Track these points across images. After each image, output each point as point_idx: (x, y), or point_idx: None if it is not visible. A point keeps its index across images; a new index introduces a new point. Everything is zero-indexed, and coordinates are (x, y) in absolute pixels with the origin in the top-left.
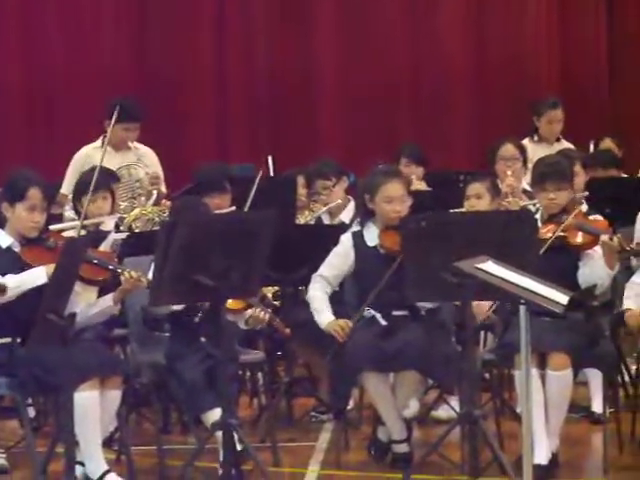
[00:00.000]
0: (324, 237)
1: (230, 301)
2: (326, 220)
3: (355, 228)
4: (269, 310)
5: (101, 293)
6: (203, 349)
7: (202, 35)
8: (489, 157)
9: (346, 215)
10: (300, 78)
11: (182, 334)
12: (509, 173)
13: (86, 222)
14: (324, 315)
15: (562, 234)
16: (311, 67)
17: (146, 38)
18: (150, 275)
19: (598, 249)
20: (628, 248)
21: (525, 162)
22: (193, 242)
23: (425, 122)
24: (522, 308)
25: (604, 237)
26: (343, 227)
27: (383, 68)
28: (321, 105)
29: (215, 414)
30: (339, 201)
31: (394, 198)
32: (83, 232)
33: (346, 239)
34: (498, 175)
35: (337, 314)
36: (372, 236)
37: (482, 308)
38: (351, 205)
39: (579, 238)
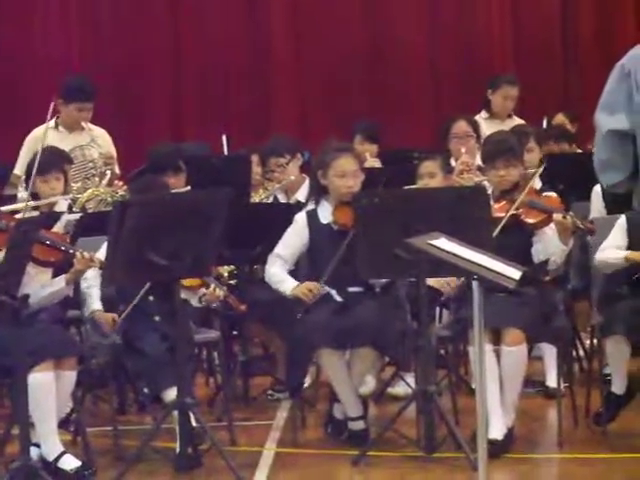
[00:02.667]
0: (279, 216)
1: None
2: (282, 199)
3: (310, 207)
4: (224, 287)
5: (55, 275)
6: (159, 328)
7: (156, 12)
8: (442, 135)
9: (302, 194)
10: (255, 56)
11: (137, 314)
12: (463, 150)
13: (38, 203)
14: (287, 283)
15: (515, 212)
16: (266, 46)
17: (99, 15)
18: (102, 255)
19: (552, 226)
20: (581, 226)
21: (479, 138)
22: (146, 222)
23: (379, 99)
24: (475, 284)
25: (557, 216)
26: (299, 206)
27: (337, 46)
28: (276, 83)
29: (175, 392)
30: (292, 178)
31: (346, 173)
32: (35, 213)
33: (300, 218)
34: (452, 153)
35: None
36: (326, 213)
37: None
38: (306, 183)
39: (532, 217)
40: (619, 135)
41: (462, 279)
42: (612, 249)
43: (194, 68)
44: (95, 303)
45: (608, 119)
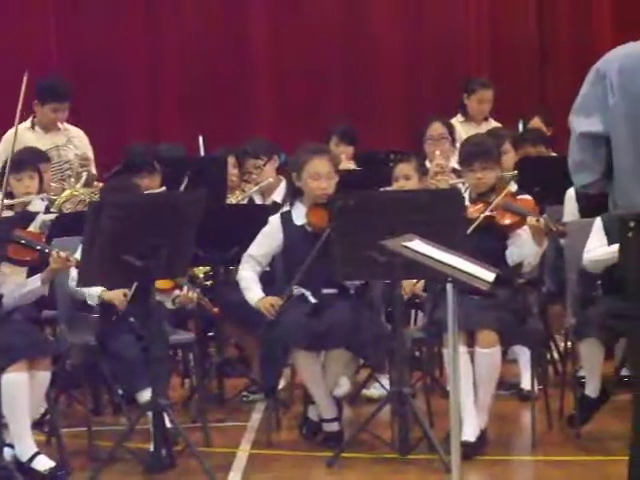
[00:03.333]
0: (255, 217)
1: (158, 281)
2: (258, 201)
3: (286, 208)
4: (197, 289)
5: (30, 274)
6: (134, 329)
7: (133, 14)
8: (418, 137)
9: (278, 195)
10: (233, 58)
11: (111, 315)
12: (437, 153)
13: (11, 202)
14: (253, 292)
15: (490, 214)
16: (244, 48)
17: (77, 16)
18: (79, 255)
19: (526, 228)
20: (554, 229)
21: (453, 141)
22: (121, 222)
23: (356, 101)
24: (449, 286)
25: (531, 219)
26: (274, 207)
27: (315, 49)
28: (253, 86)
29: (150, 393)
30: (270, 180)
31: (320, 175)
32: (9, 212)
33: (274, 219)
34: (427, 155)
35: (267, 294)
36: (300, 215)
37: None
38: (283, 185)
39: (507, 219)
40: (592, 137)
41: (418, 285)
42: (601, 248)
43: (172, 69)
44: (95, 288)
45: (582, 121)
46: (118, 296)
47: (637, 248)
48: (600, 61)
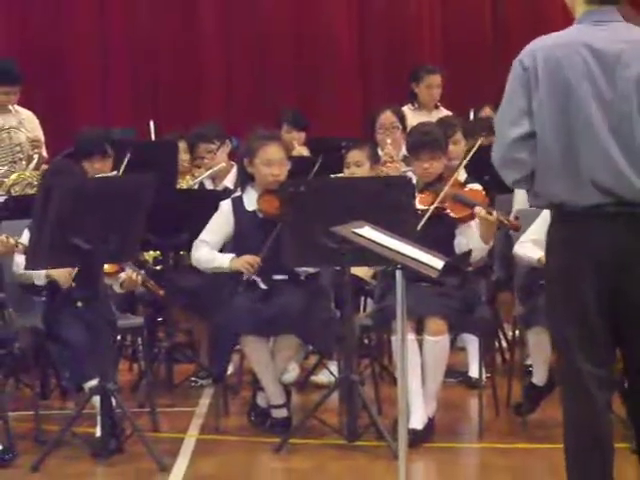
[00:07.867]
0: (206, 202)
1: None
2: (209, 186)
3: (237, 194)
4: (142, 272)
5: None
6: (82, 316)
7: None
8: (369, 125)
9: (230, 181)
10: (184, 44)
11: (58, 299)
12: (388, 141)
13: None
14: (223, 257)
15: (440, 205)
16: (195, 34)
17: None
18: (24, 239)
19: (477, 220)
20: (505, 222)
21: (405, 129)
22: (70, 206)
23: (309, 89)
24: (398, 273)
25: (482, 212)
26: (226, 192)
27: (267, 36)
28: (205, 72)
29: (96, 383)
30: (223, 164)
31: (273, 161)
32: None
33: (225, 205)
34: (378, 143)
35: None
36: (251, 201)
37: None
38: (234, 171)
39: (458, 212)
40: (524, 137)
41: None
42: (530, 245)
43: (123, 53)
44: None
45: (512, 130)
46: (63, 274)
47: (554, 237)
48: (523, 53)
